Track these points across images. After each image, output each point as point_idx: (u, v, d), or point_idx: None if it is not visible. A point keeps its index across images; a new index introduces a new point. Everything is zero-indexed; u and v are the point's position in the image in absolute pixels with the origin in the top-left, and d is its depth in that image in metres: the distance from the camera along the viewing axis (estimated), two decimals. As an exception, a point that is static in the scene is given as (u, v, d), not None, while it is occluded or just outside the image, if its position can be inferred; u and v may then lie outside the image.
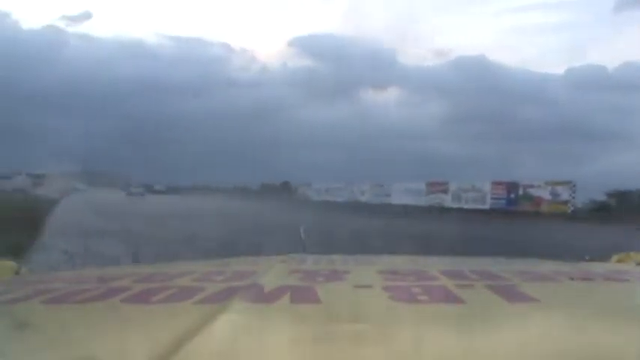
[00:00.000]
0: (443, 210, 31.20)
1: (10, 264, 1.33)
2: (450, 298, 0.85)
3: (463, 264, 1.26)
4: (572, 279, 1.07)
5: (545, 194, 27.86)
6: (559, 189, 27.28)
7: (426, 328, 0.74)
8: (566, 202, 26.95)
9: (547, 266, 1.29)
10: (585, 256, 1.64)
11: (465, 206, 31.33)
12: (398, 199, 36.40)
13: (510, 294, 0.87)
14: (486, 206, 30.33)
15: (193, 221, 17.73)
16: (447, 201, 33.21)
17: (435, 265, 1.22)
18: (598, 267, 1.36)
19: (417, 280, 0.97)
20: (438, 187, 34.38)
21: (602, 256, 1.59)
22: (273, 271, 1.12)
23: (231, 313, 0.76)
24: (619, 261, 1.51)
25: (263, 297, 0.84)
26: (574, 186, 26.92)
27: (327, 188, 42.64)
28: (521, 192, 29.12)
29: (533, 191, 28.47)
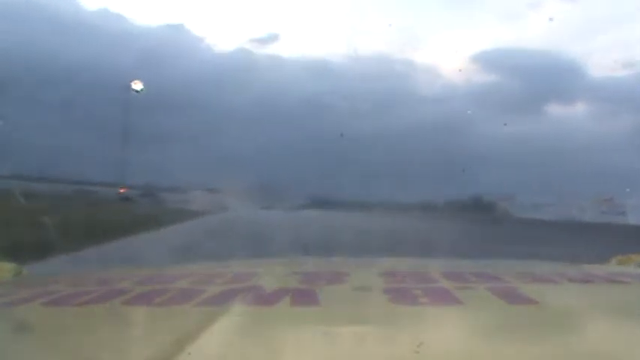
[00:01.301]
0: None
1: (11, 266, 1.31)
2: (450, 300, 0.84)
3: (463, 266, 1.26)
4: (571, 281, 1.06)
5: None
6: None
7: (426, 330, 0.75)
8: None
9: (547, 268, 1.27)
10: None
11: None
12: (638, 218, 27.94)
13: (510, 296, 0.86)
14: None
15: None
16: None
17: (435, 267, 1.22)
18: (598, 269, 1.31)
19: (417, 282, 0.96)
20: None
21: (603, 258, 1.55)
22: (273, 274, 1.13)
23: (232, 315, 0.77)
24: (620, 263, 1.48)
25: (263, 299, 0.84)
26: None
27: (533, 203, 35.57)
28: None
29: None
